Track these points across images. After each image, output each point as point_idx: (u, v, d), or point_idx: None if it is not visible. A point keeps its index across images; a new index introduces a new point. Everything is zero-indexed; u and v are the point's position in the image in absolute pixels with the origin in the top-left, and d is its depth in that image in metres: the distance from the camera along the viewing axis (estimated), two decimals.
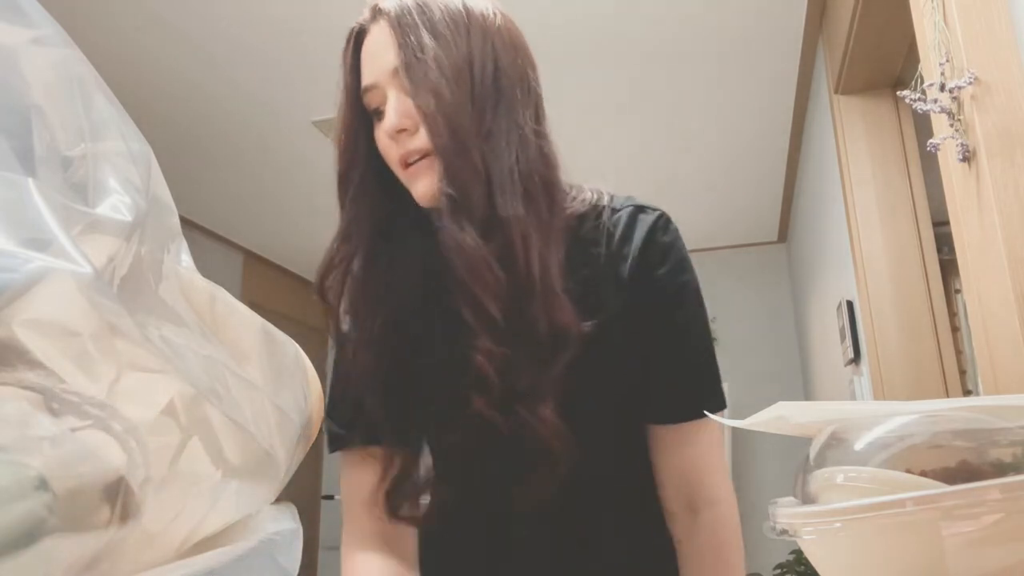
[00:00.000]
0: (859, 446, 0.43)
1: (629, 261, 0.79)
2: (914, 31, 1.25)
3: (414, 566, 0.83)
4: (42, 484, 0.22)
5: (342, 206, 0.82)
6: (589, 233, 0.81)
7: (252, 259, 4.40)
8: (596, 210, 0.82)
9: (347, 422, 0.85)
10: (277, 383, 0.39)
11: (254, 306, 0.47)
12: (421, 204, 0.77)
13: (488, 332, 0.71)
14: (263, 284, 4.46)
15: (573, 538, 0.81)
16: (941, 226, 1.58)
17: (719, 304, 4.55)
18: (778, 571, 3.08)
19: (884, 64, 2.02)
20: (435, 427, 0.82)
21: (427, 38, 0.74)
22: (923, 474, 0.39)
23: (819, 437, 0.46)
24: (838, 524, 0.40)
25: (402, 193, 0.79)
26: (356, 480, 0.84)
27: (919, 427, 0.43)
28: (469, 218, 0.72)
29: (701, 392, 0.80)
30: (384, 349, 0.80)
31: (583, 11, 2.27)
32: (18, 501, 0.22)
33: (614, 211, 0.82)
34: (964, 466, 0.39)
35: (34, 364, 0.24)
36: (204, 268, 0.37)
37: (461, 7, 0.77)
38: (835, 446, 0.45)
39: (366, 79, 0.77)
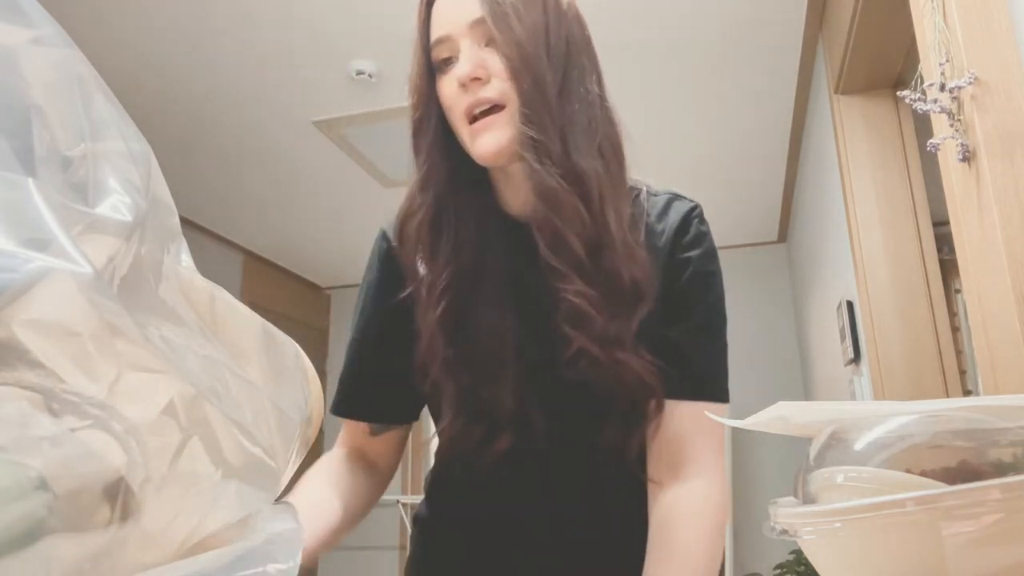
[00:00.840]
0: (859, 446, 0.43)
1: (663, 240, 0.83)
2: (914, 31, 1.25)
3: (367, 494, 0.91)
4: (42, 484, 0.22)
5: (417, 153, 0.82)
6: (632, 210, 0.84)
7: (252, 259, 4.40)
8: (635, 191, 0.86)
9: (364, 386, 0.90)
10: (277, 383, 0.39)
11: (254, 306, 0.47)
12: (482, 161, 0.78)
13: (576, 272, 0.75)
14: (263, 284, 4.46)
15: (577, 508, 0.82)
16: (941, 226, 1.58)
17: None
18: (778, 571, 3.08)
19: (884, 64, 2.02)
20: (486, 382, 0.80)
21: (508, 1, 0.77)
22: (923, 474, 0.39)
23: (819, 437, 0.46)
24: (838, 524, 0.40)
25: (460, 154, 0.81)
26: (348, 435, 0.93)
27: (919, 427, 0.43)
28: (551, 163, 0.75)
29: (711, 375, 0.82)
30: (455, 297, 0.80)
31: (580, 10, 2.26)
32: (18, 501, 0.22)
33: (652, 195, 0.87)
34: (964, 466, 0.39)
35: (34, 364, 0.24)
36: (204, 268, 0.37)
37: None
38: (835, 446, 0.45)
39: (438, 31, 0.79)
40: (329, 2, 2.25)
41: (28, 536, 0.22)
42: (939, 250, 1.99)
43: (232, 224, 3.99)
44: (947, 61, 1.06)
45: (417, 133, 0.82)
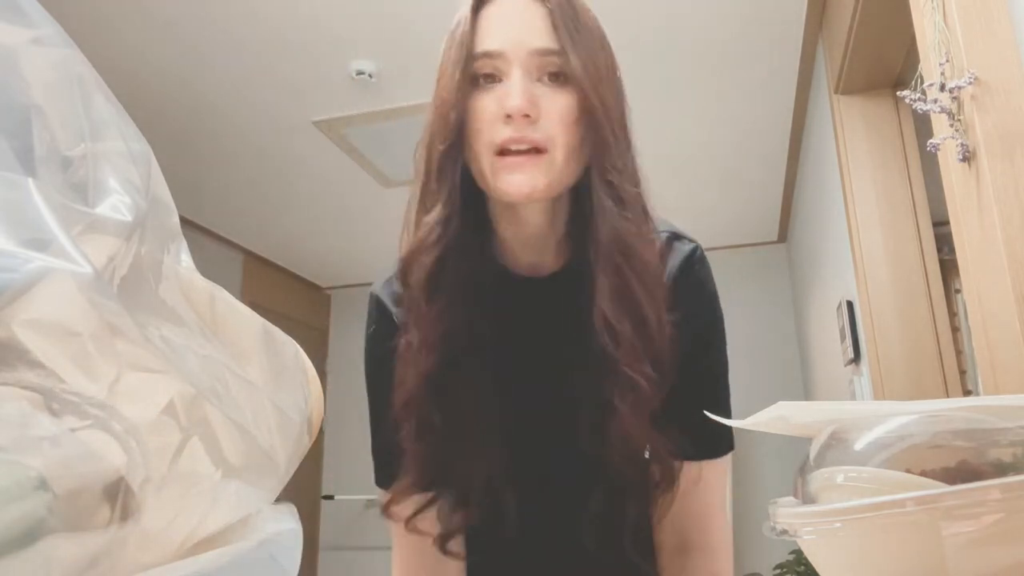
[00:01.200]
0: (859, 446, 0.43)
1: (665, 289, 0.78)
2: (914, 31, 1.25)
3: None
4: (42, 484, 0.22)
5: (440, 183, 0.72)
6: None
7: (252, 259, 4.40)
8: None
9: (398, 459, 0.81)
10: (277, 383, 0.39)
11: (254, 306, 0.47)
12: (504, 198, 0.71)
13: (635, 333, 0.70)
14: (263, 284, 4.46)
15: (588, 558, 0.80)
16: (941, 226, 1.58)
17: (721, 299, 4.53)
18: (778, 571, 3.08)
19: (884, 64, 2.02)
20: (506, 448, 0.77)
21: (583, 30, 0.72)
22: (923, 474, 0.39)
23: (819, 437, 0.46)
24: (838, 524, 0.40)
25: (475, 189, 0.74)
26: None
27: (919, 427, 0.43)
28: (625, 208, 0.71)
29: (711, 434, 0.79)
30: (443, 356, 0.74)
31: None
32: (18, 501, 0.22)
33: (648, 212, 0.81)
34: (964, 466, 0.39)
35: (34, 364, 0.24)
36: (204, 268, 0.37)
37: (593, 17, 0.76)
38: (835, 446, 0.45)
39: (490, 42, 0.71)
40: (329, 2, 2.25)
41: (28, 536, 0.22)
42: (939, 250, 1.99)
43: (232, 224, 3.98)
44: (947, 61, 1.06)
45: (444, 162, 0.72)
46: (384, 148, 3.12)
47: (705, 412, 0.78)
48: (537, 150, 0.69)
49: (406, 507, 0.79)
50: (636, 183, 0.75)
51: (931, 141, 1.10)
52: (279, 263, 4.65)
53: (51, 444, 0.23)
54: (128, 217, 0.30)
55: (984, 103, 0.98)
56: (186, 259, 0.37)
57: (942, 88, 1.05)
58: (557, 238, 0.78)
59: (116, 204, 0.30)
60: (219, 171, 3.35)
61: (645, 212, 0.75)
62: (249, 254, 4.37)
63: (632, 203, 0.72)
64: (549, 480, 0.80)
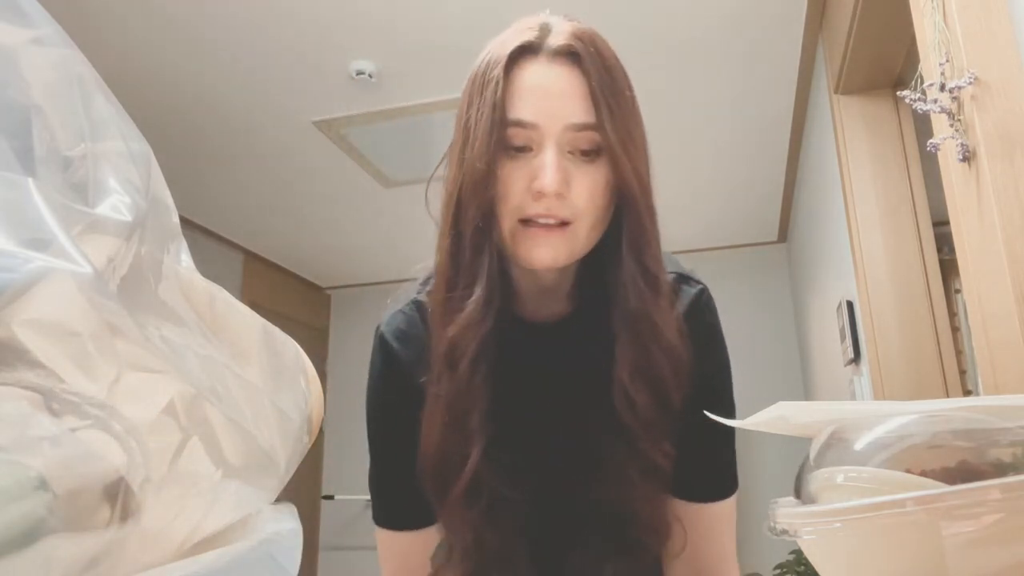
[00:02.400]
0: (859, 446, 0.43)
1: None
2: (914, 31, 1.25)
3: None
4: (42, 484, 0.22)
5: (477, 252, 0.70)
6: None
7: (252, 259, 4.40)
8: None
9: (406, 499, 0.81)
10: (277, 383, 0.39)
11: (254, 306, 0.47)
12: (523, 264, 0.71)
13: (655, 413, 0.70)
14: (263, 284, 4.46)
15: None
16: (941, 226, 1.58)
17: (719, 304, 4.53)
18: (778, 571, 3.08)
19: (884, 64, 2.02)
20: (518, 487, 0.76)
21: (620, 103, 0.70)
22: (923, 474, 0.39)
23: (819, 437, 0.46)
24: (838, 524, 0.40)
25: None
26: (400, 550, 0.83)
27: (919, 427, 0.43)
28: (650, 287, 0.71)
29: (726, 473, 0.80)
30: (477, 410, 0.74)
31: (581, 12, 2.26)
32: (18, 501, 0.22)
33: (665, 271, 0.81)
34: (964, 466, 0.39)
35: (34, 364, 0.24)
36: (204, 268, 0.37)
37: (625, 73, 0.74)
38: (835, 446, 0.45)
39: (525, 113, 0.68)
40: (329, 2, 2.25)
41: (28, 536, 0.22)
42: (939, 250, 1.99)
43: (232, 224, 3.98)
44: (947, 61, 1.06)
45: (481, 236, 0.69)
46: (384, 148, 3.12)
47: (709, 456, 0.79)
48: (562, 223, 0.69)
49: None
50: (661, 258, 0.74)
51: (931, 141, 1.10)
52: (279, 263, 4.65)
53: (51, 444, 0.23)
54: (128, 217, 0.30)
55: (984, 103, 0.98)
56: (186, 259, 0.37)
57: (942, 88, 1.05)
58: (568, 287, 0.78)
59: (116, 204, 0.30)
60: (219, 171, 3.35)
61: (668, 286, 0.75)
62: (249, 254, 4.37)
63: (660, 283, 0.72)
64: (558, 529, 0.79)
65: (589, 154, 0.70)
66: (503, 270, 0.72)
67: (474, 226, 0.70)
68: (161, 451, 0.27)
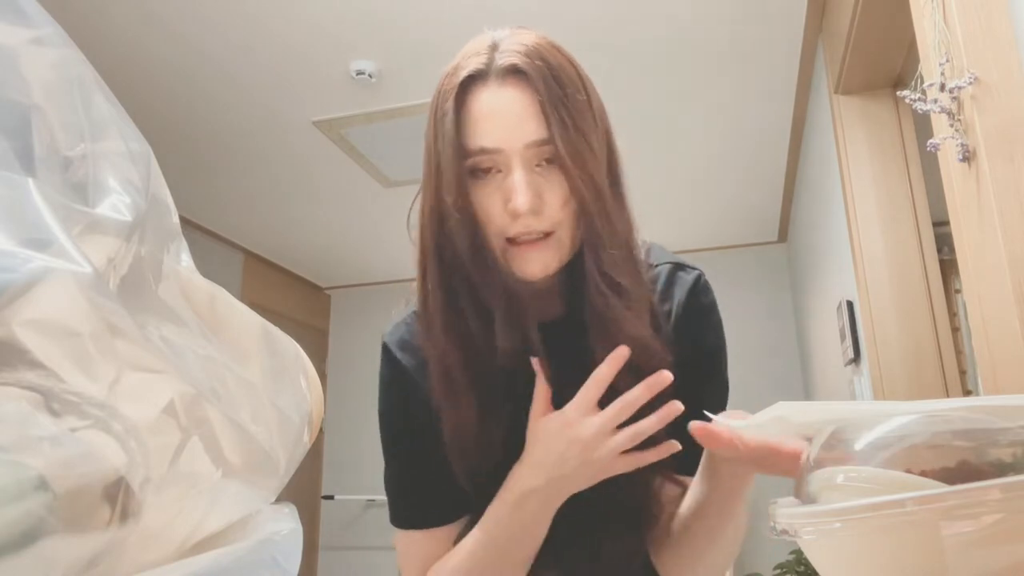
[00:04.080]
0: (859, 446, 0.43)
1: (671, 320, 0.81)
2: (914, 31, 1.25)
3: None
4: (42, 484, 0.22)
5: (484, 273, 0.74)
6: None
7: (252, 259, 4.40)
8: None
9: (427, 499, 0.84)
10: (277, 383, 0.39)
11: (254, 306, 0.47)
12: (520, 277, 0.74)
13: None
14: (263, 284, 4.46)
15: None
16: (941, 226, 1.58)
17: (719, 304, 4.53)
18: (778, 571, 3.08)
19: (884, 64, 2.02)
20: None
21: (572, 111, 0.72)
22: (923, 474, 0.39)
23: (819, 437, 0.46)
24: (838, 524, 0.40)
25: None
26: (422, 549, 0.84)
27: (919, 427, 0.43)
28: (616, 294, 0.74)
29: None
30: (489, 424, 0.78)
31: (582, 12, 2.27)
32: (18, 501, 0.22)
33: (651, 266, 0.83)
34: (964, 466, 0.39)
35: (34, 364, 0.24)
36: (204, 268, 0.37)
37: (579, 74, 0.75)
38: (835, 446, 0.45)
39: (485, 140, 0.71)
40: (329, 2, 2.25)
41: (28, 536, 0.22)
42: (939, 250, 1.99)
43: (232, 224, 3.99)
44: (947, 61, 1.06)
45: (476, 258, 0.73)
46: (384, 148, 3.12)
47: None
48: (545, 233, 0.73)
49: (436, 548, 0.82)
50: (631, 254, 0.77)
51: (931, 141, 1.10)
52: (279, 263, 4.65)
53: (51, 444, 0.23)
54: (128, 217, 0.30)
55: (984, 103, 0.98)
56: (186, 259, 0.37)
57: (942, 88, 1.05)
58: (558, 288, 0.81)
59: (116, 204, 0.30)
60: (219, 171, 3.35)
61: (637, 278, 0.77)
62: (249, 254, 4.37)
63: (620, 286, 0.74)
64: (560, 523, 0.81)
65: (553, 164, 0.72)
66: (509, 298, 0.76)
67: (470, 255, 0.73)
68: (161, 451, 0.27)
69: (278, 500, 0.37)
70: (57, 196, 0.28)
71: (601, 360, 0.73)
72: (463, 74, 0.73)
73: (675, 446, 0.73)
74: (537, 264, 0.73)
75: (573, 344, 0.77)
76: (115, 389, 0.26)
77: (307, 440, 0.41)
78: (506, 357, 0.75)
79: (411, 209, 0.81)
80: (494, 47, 0.74)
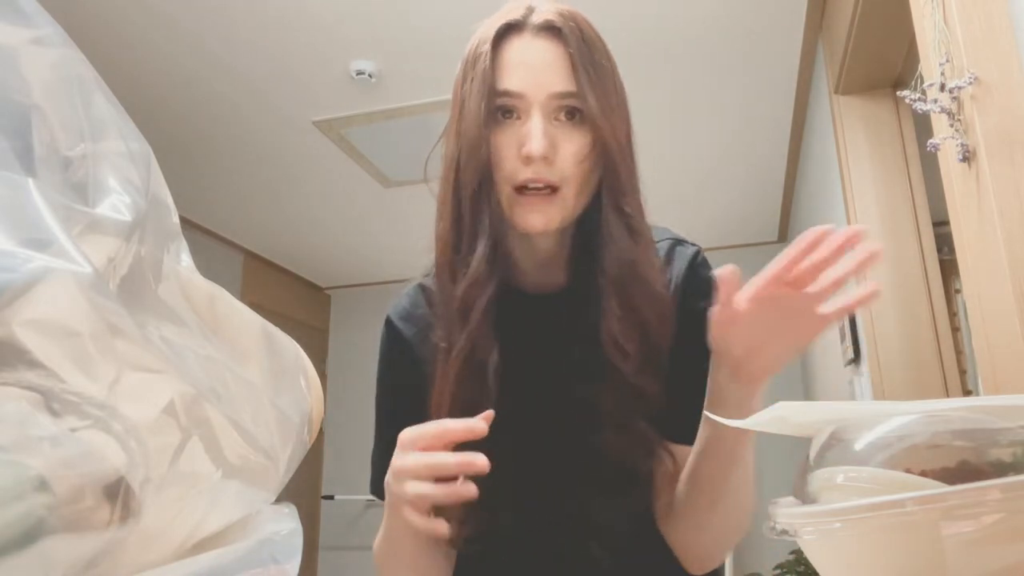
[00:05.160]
0: (859, 446, 0.43)
1: (672, 289, 0.82)
2: (914, 31, 1.25)
3: None
4: (42, 484, 0.22)
5: (477, 214, 0.75)
6: None
7: (252, 259, 4.40)
8: None
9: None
10: (277, 383, 0.39)
11: (254, 306, 0.47)
12: (519, 229, 0.76)
13: (640, 352, 0.74)
14: (263, 284, 4.46)
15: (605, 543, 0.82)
16: (941, 226, 1.58)
17: None
18: (778, 571, 3.08)
19: (884, 64, 2.02)
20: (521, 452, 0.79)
21: (599, 72, 0.75)
22: (923, 474, 0.39)
23: (819, 437, 0.46)
24: (838, 524, 0.40)
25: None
26: None
27: (919, 427, 0.43)
28: (642, 239, 0.76)
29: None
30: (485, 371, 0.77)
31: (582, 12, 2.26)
32: (18, 501, 0.22)
33: (650, 231, 0.84)
34: (964, 466, 0.39)
35: (34, 364, 0.24)
36: (204, 268, 0.37)
37: (606, 48, 0.79)
38: (835, 446, 0.45)
39: (511, 83, 0.74)
40: (329, 2, 2.25)
41: (28, 536, 0.22)
42: (939, 250, 1.99)
43: (232, 224, 3.99)
44: (947, 61, 1.06)
45: (479, 198, 0.75)
46: (384, 148, 3.12)
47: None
48: (551, 188, 0.74)
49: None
50: (642, 211, 0.80)
51: (931, 141, 1.10)
52: (279, 263, 4.65)
53: (51, 444, 0.23)
54: (128, 217, 0.30)
55: (984, 103, 0.98)
56: (186, 259, 0.37)
57: (942, 88, 1.05)
58: (564, 257, 0.82)
59: (116, 204, 0.30)
60: (219, 171, 3.35)
61: (649, 237, 0.80)
62: (249, 254, 4.37)
63: (641, 231, 0.77)
64: (550, 486, 0.82)
65: (573, 116, 0.75)
66: (502, 238, 0.77)
67: (472, 189, 0.75)
68: (161, 451, 0.27)
69: (278, 500, 0.37)
70: (57, 196, 0.28)
71: (615, 313, 0.74)
72: (501, 22, 0.77)
73: None
74: (540, 218, 0.74)
75: (571, 317, 0.78)
76: (115, 389, 0.26)
77: (307, 440, 0.41)
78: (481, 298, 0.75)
79: (427, 161, 0.84)
80: (531, 7, 0.78)
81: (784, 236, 4.34)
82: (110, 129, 0.33)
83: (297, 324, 4.69)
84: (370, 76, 2.58)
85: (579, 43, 0.75)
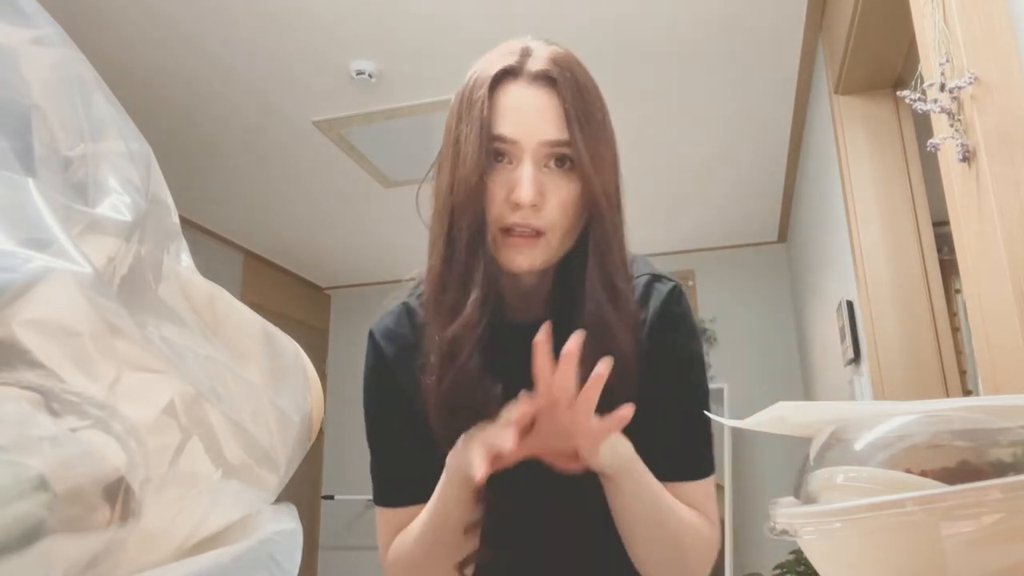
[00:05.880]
0: (859, 446, 0.43)
1: (645, 329, 0.84)
2: (914, 31, 1.25)
3: None
4: (42, 484, 0.22)
5: (472, 256, 0.77)
6: None
7: (252, 259, 4.40)
8: None
9: (400, 480, 0.89)
10: (277, 383, 0.39)
11: (254, 306, 0.47)
12: (505, 268, 0.78)
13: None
14: (263, 284, 4.46)
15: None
16: (941, 226, 1.58)
17: (719, 304, 4.55)
18: (778, 571, 3.08)
19: (884, 64, 2.02)
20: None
21: (592, 124, 0.77)
22: (923, 474, 0.39)
23: (819, 437, 0.46)
24: (838, 524, 0.40)
25: None
26: (398, 523, 0.88)
27: (919, 427, 0.43)
28: (614, 299, 0.78)
29: (695, 456, 0.86)
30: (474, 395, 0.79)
31: (582, 14, 2.27)
32: (18, 501, 0.22)
33: (631, 277, 0.86)
34: (964, 466, 0.39)
35: (34, 364, 0.24)
36: (204, 268, 0.37)
37: (599, 96, 0.81)
38: (835, 446, 0.45)
39: (505, 128, 0.76)
40: (329, 2, 2.25)
41: (28, 536, 0.22)
42: (939, 250, 1.99)
43: (232, 224, 3.99)
44: (947, 61, 1.06)
45: (475, 241, 0.76)
46: (384, 148, 3.12)
47: (684, 437, 0.85)
48: (537, 232, 0.76)
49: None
50: (625, 265, 0.81)
51: (931, 141, 1.10)
52: (279, 263, 4.65)
53: (51, 444, 0.23)
54: (128, 217, 0.30)
55: (984, 103, 0.98)
56: (186, 259, 0.37)
57: (942, 88, 1.05)
58: (545, 293, 0.85)
59: (116, 204, 0.30)
60: (219, 171, 3.35)
61: (627, 294, 0.81)
62: (249, 254, 4.37)
63: (619, 289, 0.79)
64: (534, 513, 0.85)
65: (563, 164, 0.77)
66: (494, 282, 0.79)
67: (469, 233, 0.76)
68: (161, 451, 0.27)
69: (278, 500, 0.37)
70: (57, 196, 0.28)
71: (585, 359, 0.75)
72: (498, 67, 0.78)
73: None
74: (524, 260, 0.77)
75: (553, 348, 0.79)
76: (115, 389, 0.26)
77: (307, 440, 0.41)
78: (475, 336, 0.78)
79: (418, 194, 0.86)
80: (527, 52, 0.80)
81: (784, 236, 4.34)
82: (110, 129, 0.33)
83: (297, 324, 4.69)
84: (370, 76, 2.58)
85: (573, 93, 0.77)
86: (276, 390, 0.38)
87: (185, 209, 3.62)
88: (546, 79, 0.77)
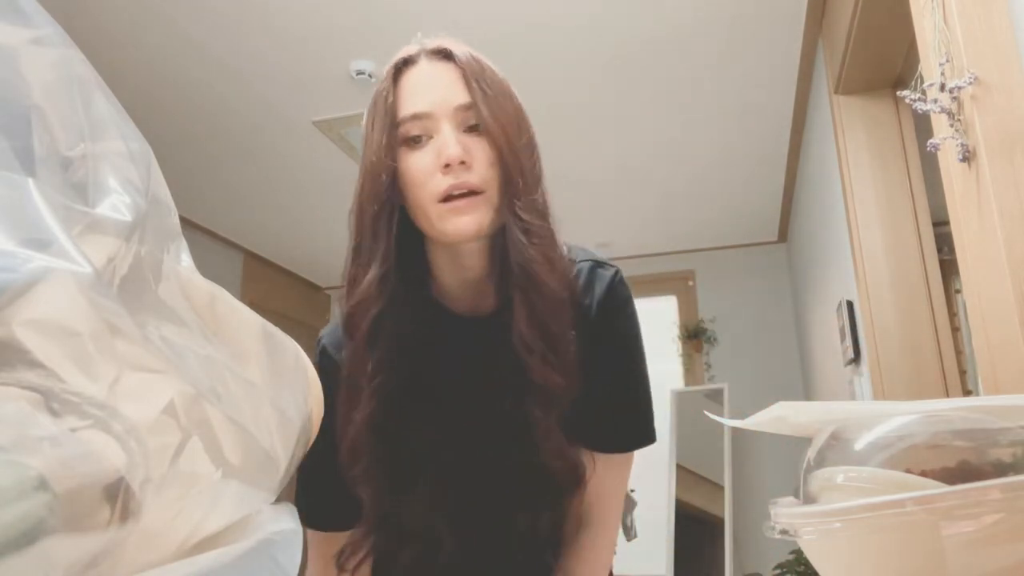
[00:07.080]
0: (859, 446, 0.43)
1: (591, 313, 0.87)
2: (914, 31, 1.25)
3: None
4: (42, 484, 0.22)
5: (376, 238, 0.80)
6: None
7: (252, 259, 4.40)
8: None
9: (329, 504, 0.89)
10: (277, 383, 0.39)
11: (254, 306, 0.47)
12: (452, 239, 0.79)
13: (546, 352, 0.79)
14: (263, 284, 4.46)
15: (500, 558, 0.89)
16: (941, 226, 1.58)
17: (719, 304, 4.55)
18: (778, 571, 3.08)
19: (884, 64, 2.02)
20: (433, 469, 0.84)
21: (491, 85, 0.81)
22: (923, 474, 0.39)
23: (819, 437, 0.46)
24: (838, 524, 0.40)
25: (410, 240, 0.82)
26: (324, 546, 0.90)
27: (919, 427, 0.43)
28: (539, 242, 0.79)
29: (637, 428, 0.90)
30: (388, 397, 0.81)
31: (581, 14, 2.27)
32: (18, 501, 0.22)
33: (572, 262, 0.89)
34: (964, 466, 0.39)
35: (34, 364, 0.24)
36: (204, 268, 0.37)
37: (494, 67, 0.85)
38: (835, 446, 0.45)
39: (415, 106, 0.79)
40: (329, 2, 2.25)
41: (28, 536, 0.22)
42: (939, 250, 1.99)
43: (232, 224, 3.98)
44: (947, 61, 1.06)
45: (377, 222, 0.79)
46: None
47: (628, 411, 0.90)
48: (475, 192, 0.78)
49: (348, 552, 0.86)
50: (544, 216, 0.83)
51: (931, 141, 1.10)
52: (279, 263, 4.65)
53: (51, 444, 0.23)
54: (128, 217, 0.30)
55: (984, 103, 0.98)
56: (186, 259, 0.37)
57: (942, 88, 1.05)
58: (493, 282, 0.86)
59: (116, 204, 0.30)
60: (219, 171, 3.35)
61: (553, 241, 0.83)
62: (249, 254, 4.37)
63: (539, 233, 0.80)
64: (480, 502, 0.87)
65: (476, 128, 0.80)
66: (396, 263, 0.80)
67: (371, 215, 0.79)
68: (161, 451, 0.27)
69: (278, 500, 0.37)
70: (57, 196, 0.28)
71: (523, 314, 0.78)
72: (397, 59, 0.84)
73: None
74: (471, 222, 0.78)
75: (503, 340, 0.81)
76: (115, 389, 0.26)
77: (307, 440, 0.41)
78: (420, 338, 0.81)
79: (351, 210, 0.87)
80: (422, 43, 0.86)
81: (784, 236, 4.34)
82: (110, 129, 0.33)
83: (297, 324, 4.69)
84: (370, 76, 2.58)
85: (470, 61, 0.82)
86: (276, 390, 0.38)
87: (185, 209, 3.61)
88: (443, 54, 0.82)
